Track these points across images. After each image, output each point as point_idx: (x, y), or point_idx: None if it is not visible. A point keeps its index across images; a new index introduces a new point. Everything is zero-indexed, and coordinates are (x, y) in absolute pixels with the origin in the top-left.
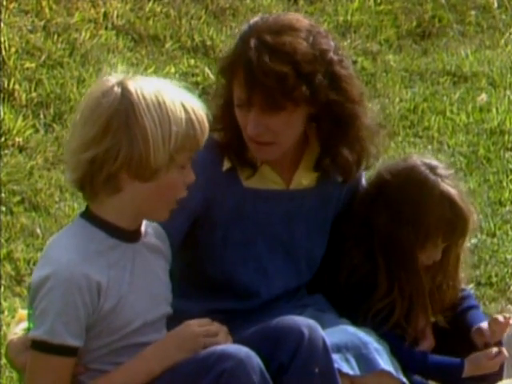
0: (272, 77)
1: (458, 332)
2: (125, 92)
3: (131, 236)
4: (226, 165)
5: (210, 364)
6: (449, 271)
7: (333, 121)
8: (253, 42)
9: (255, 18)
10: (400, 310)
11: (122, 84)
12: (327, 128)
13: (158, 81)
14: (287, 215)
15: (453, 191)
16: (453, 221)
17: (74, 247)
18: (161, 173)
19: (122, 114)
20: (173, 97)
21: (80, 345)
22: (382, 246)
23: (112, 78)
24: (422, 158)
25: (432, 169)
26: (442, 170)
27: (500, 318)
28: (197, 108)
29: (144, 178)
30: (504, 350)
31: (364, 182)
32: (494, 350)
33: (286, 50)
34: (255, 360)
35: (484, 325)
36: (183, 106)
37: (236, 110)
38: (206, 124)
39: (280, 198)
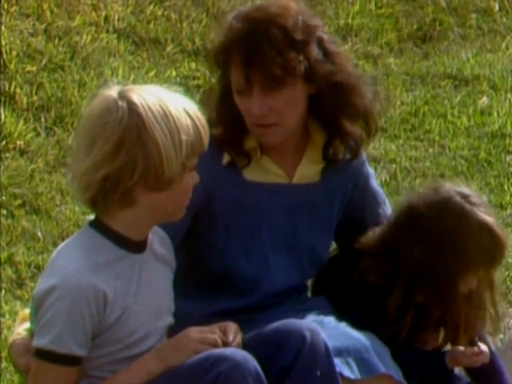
0: (267, 51)
1: None
2: (131, 106)
3: (139, 246)
4: (226, 159)
5: (207, 367)
6: (486, 296)
7: (332, 95)
8: (242, 22)
9: (242, 6)
10: (404, 337)
11: (125, 97)
12: (328, 104)
13: (155, 88)
14: (290, 209)
15: (490, 220)
16: (492, 249)
17: (82, 257)
18: (175, 181)
19: (133, 128)
20: (176, 104)
21: (85, 354)
22: (411, 277)
23: (111, 92)
24: (454, 186)
25: (466, 198)
26: (475, 199)
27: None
28: (198, 112)
29: (159, 189)
30: (484, 348)
31: (374, 182)
32: (474, 349)
33: (275, 21)
34: (252, 363)
35: None
36: (187, 113)
37: (236, 97)
38: (207, 126)
39: (282, 192)
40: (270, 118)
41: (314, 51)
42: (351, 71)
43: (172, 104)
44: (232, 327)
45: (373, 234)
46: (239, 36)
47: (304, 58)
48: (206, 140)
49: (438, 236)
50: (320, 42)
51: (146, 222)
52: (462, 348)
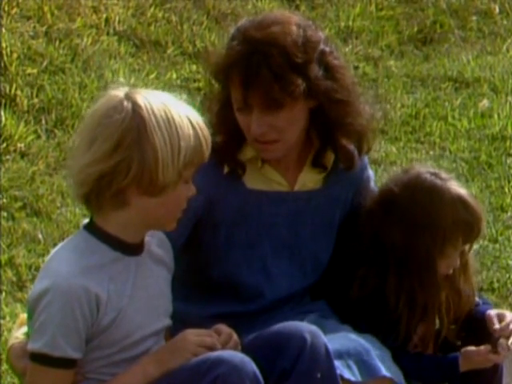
0: (266, 74)
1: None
2: (135, 107)
3: (134, 249)
4: (227, 167)
5: (205, 370)
6: (460, 279)
7: (331, 111)
8: (242, 42)
9: (243, 20)
10: (405, 324)
11: (131, 98)
12: (326, 119)
13: (162, 94)
14: (292, 217)
15: (463, 191)
16: (469, 220)
17: (75, 260)
18: (169, 188)
19: (134, 130)
20: (180, 112)
21: (80, 356)
22: (398, 261)
23: (118, 92)
24: (422, 166)
25: (436, 174)
26: (444, 175)
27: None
28: (201, 123)
29: (152, 194)
30: (502, 350)
31: (372, 184)
32: (487, 347)
33: (275, 42)
34: (249, 366)
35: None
36: (190, 122)
37: (236, 113)
38: (210, 139)
39: (284, 200)
40: (270, 135)
41: (315, 69)
42: (351, 88)
43: (176, 111)
44: (226, 329)
45: (355, 233)
46: (239, 57)
47: (304, 79)
48: (206, 152)
49: (413, 214)
50: (321, 57)
51: (139, 226)
52: (474, 348)
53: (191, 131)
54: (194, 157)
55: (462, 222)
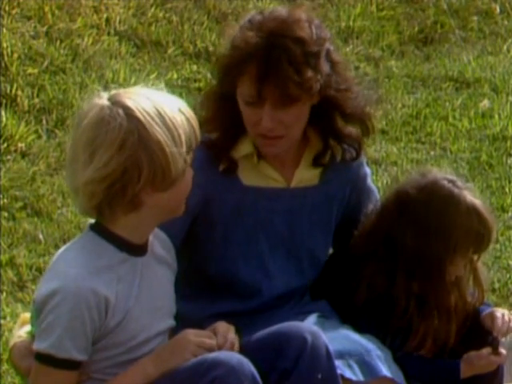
0: (286, 68)
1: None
2: (127, 111)
3: (140, 250)
4: (223, 164)
5: (202, 371)
6: (468, 285)
7: (331, 102)
8: (260, 35)
9: (252, 14)
10: (415, 326)
11: (118, 103)
12: (325, 111)
13: (142, 90)
14: (289, 213)
15: (478, 202)
16: (481, 232)
17: (83, 261)
18: (179, 178)
19: (134, 133)
20: (167, 103)
21: (85, 358)
22: (407, 261)
23: (102, 100)
24: (440, 172)
25: (453, 182)
26: (461, 183)
27: (498, 314)
28: (184, 105)
29: (165, 188)
30: (503, 351)
31: (369, 181)
32: (488, 350)
33: (294, 36)
34: (247, 367)
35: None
36: (179, 109)
37: (244, 107)
38: (195, 117)
39: (281, 196)
40: (277, 131)
41: (324, 65)
42: (349, 77)
43: (164, 103)
44: (222, 329)
45: (362, 231)
46: (257, 49)
47: (320, 75)
48: (198, 132)
49: (427, 219)
50: (328, 55)
51: (149, 223)
52: (475, 352)
53: (182, 116)
54: (192, 141)
55: (474, 232)
